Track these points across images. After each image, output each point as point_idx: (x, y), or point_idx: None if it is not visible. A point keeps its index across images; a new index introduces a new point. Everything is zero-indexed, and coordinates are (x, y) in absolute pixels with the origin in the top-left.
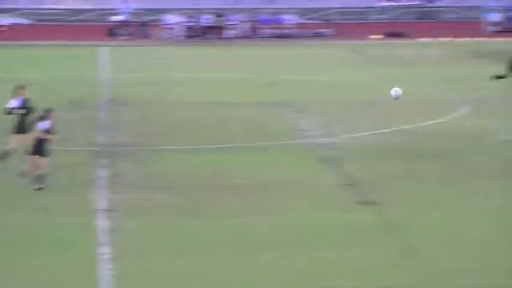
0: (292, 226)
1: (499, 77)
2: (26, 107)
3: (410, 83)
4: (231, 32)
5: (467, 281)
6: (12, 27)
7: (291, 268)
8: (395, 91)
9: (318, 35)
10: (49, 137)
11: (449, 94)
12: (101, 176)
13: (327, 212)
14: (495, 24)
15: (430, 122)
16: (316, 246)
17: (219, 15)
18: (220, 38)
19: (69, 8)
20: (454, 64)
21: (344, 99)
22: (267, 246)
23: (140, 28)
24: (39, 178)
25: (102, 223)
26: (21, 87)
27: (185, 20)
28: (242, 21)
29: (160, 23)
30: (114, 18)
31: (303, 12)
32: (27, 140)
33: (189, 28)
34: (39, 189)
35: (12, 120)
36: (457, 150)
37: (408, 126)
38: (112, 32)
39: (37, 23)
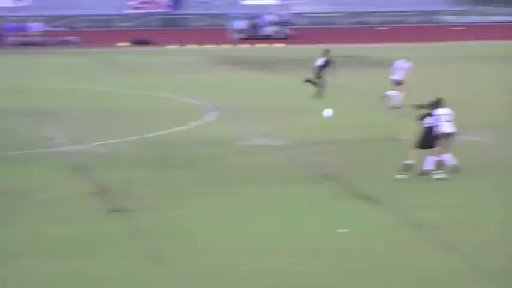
0: (42, 237)
1: (308, 81)
2: None
3: (157, 90)
4: None
5: (221, 285)
6: None
7: (39, 280)
8: (327, 112)
9: (64, 43)
10: None
11: (197, 101)
12: None
13: (77, 221)
14: (240, 31)
15: (177, 129)
16: (66, 258)
17: None
18: None
19: None
20: (201, 70)
21: (92, 107)
22: (12, 258)
23: None
24: None
25: None
26: None
27: None
28: None
29: None
30: None
31: (48, 19)
32: None
33: None
34: None
35: None
36: (203, 156)
37: (156, 134)
38: None
39: None
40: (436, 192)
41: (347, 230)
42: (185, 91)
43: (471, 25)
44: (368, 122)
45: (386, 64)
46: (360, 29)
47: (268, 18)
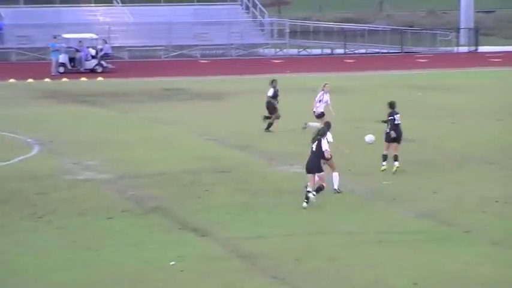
0: None
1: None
2: None
3: None
4: None
5: None
6: None
7: None
8: (369, 137)
9: None
10: None
11: (19, 135)
12: None
13: None
14: (61, 65)
15: (0, 164)
16: None
17: None
18: None
19: None
20: (23, 105)
21: None
22: None
23: None
24: None
25: None
26: None
27: None
28: None
29: None
30: None
31: None
32: None
33: None
34: None
35: None
36: (28, 190)
37: None
38: None
39: None
40: (262, 223)
41: (174, 263)
42: (7, 126)
43: (289, 58)
44: (194, 154)
45: (207, 96)
46: (181, 62)
47: (89, 51)
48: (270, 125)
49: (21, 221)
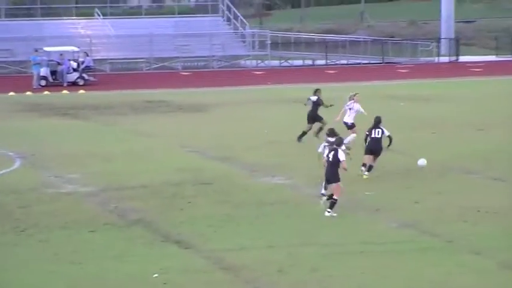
0: None
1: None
2: None
3: None
4: None
5: None
6: None
7: None
8: (422, 161)
9: None
10: None
11: (1, 149)
12: None
13: None
14: (42, 78)
15: None
16: None
17: None
18: None
19: None
20: (4, 118)
21: None
22: None
23: None
24: None
25: None
26: None
27: None
28: None
29: None
30: None
31: None
32: None
33: None
34: None
35: None
36: (10, 204)
37: None
38: None
39: None
40: (245, 235)
41: (157, 275)
42: None
43: (271, 69)
44: (176, 166)
45: (189, 108)
46: (162, 74)
47: (71, 64)
48: (320, 129)
49: (3, 235)
